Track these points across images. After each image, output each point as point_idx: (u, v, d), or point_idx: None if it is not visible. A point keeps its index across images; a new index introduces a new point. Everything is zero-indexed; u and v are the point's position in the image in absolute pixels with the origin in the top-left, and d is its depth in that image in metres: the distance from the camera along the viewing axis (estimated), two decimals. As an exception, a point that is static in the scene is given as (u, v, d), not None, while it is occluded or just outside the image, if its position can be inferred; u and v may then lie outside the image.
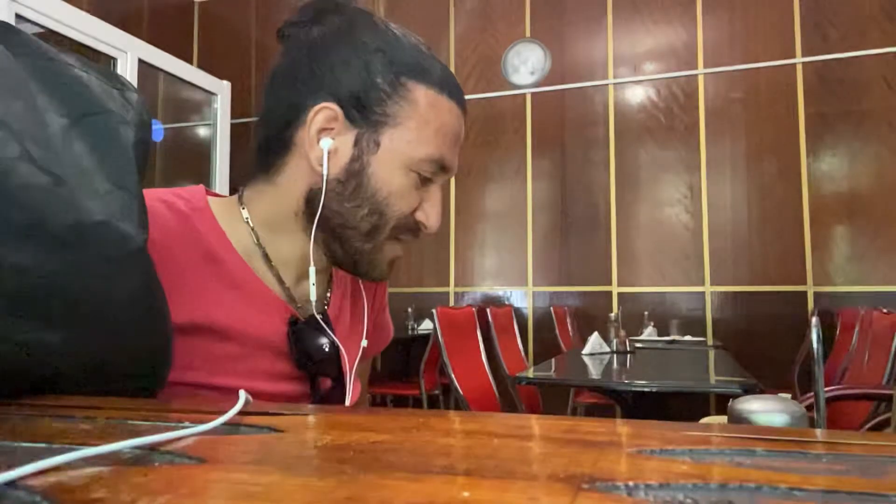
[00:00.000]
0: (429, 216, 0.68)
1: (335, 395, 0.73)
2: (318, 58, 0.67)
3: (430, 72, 0.67)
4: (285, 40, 0.70)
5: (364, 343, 0.79)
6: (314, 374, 0.70)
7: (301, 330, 0.69)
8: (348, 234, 0.67)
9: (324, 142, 0.65)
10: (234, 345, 0.65)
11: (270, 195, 0.69)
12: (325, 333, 0.71)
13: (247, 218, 0.70)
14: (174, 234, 0.64)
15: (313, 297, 0.68)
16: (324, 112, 0.65)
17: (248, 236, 0.69)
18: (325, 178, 0.65)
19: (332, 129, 0.65)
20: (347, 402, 0.73)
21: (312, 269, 0.68)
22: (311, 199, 0.67)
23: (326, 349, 0.71)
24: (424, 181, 0.68)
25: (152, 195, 0.65)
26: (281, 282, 0.70)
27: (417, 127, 0.66)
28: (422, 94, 0.66)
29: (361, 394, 0.85)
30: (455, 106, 0.69)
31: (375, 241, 0.67)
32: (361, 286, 0.83)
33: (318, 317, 0.70)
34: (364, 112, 0.65)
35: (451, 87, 0.69)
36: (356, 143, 0.65)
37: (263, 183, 0.70)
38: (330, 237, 0.68)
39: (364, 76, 0.65)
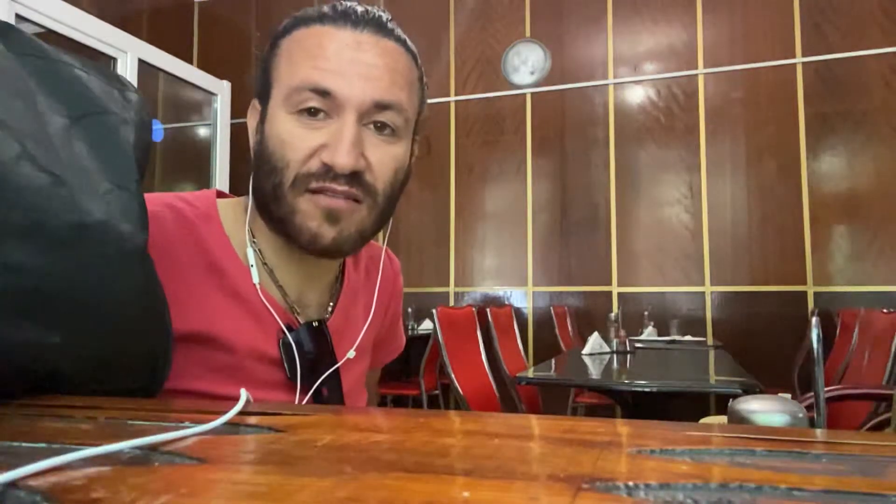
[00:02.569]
0: (333, 154, 0.60)
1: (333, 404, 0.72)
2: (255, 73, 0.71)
3: (302, 18, 0.65)
4: None
5: (351, 354, 0.73)
6: (309, 383, 0.68)
7: (292, 341, 0.67)
8: (266, 205, 0.64)
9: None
10: (231, 355, 0.64)
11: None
12: (318, 344, 0.68)
13: (250, 228, 0.69)
14: (179, 243, 0.63)
15: (256, 281, 0.66)
16: (251, 110, 0.69)
17: (253, 243, 0.69)
18: (251, 165, 0.67)
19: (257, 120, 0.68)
20: None
21: (250, 252, 0.67)
22: (252, 193, 0.68)
23: (319, 360, 0.68)
24: (317, 118, 0.61)
25: (161, 200, 0.65)
26: (282, 288, 0.69)
27: (286, 69, 0.63)
28: (288, 41, 0.65)
29: (369, 400, 0.84)
30: (330, 27, 0.62)
31: (285, 201, 0.62)
32: (375, 295, 0.79)
33: (315, 324, 0.69)
34: (263, 90, 0.66)
35: (326, 16, 0.63)
36: (259, 119, 0.67)
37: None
38: (265, 219, 0.67)
39: (261, 62, 0.67)
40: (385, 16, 0.65)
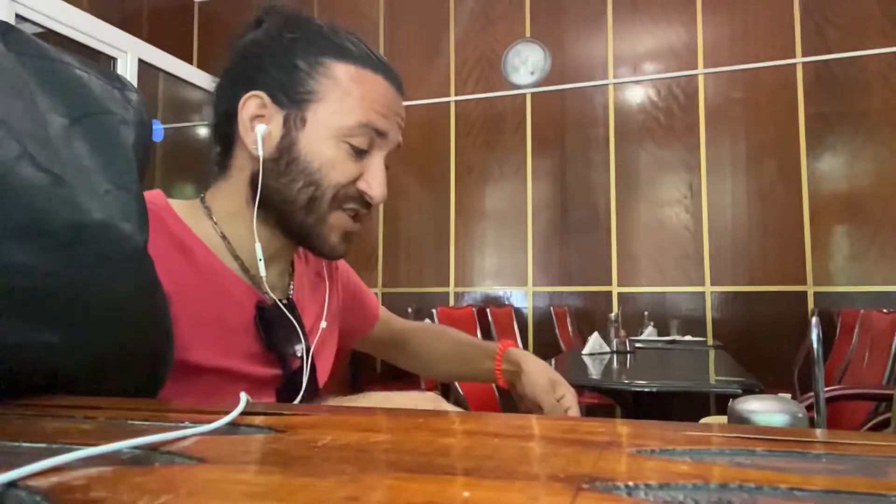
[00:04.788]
0: (371, 185, 0.73)
1: (303, 373, 0.78)
2: (248, 56, 0.74)
3: (349, 50, 0.73)
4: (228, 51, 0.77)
5: (323, 325, 0.84)
6: (283, 354, 0.75)
7: (268, 314, 0.74)
8: (289, 208, 0.72)
9: (258, 127, 0.71)
10: (209, 328, 0.69)
11: (225, 189, 0.76)
12: (289, 317, 0.76)
13: (210, 215, 0.75)
14: (150, 230, 0.67)
15: (262, 273, 0.73)
16: (252, 100, 0.72)
17: (212, 231, 0.74)
18: (260, 159, 0.71)
19: (263, 115, 0.71)
20: (305, 377, 0.77)
21: (258, 246, 0.73)
22: (253, 183, 0.72)
23: (291, 332, 0.76)
24: (360, 152, 0.72)
25: None
26: (246, 271, 0.75)
27: (339, 98, 0.71)
28: (341, 69, 0.72)
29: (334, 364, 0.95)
30: (380, 77, 0.73)
31: (317, 213, 0.72)
32: (325, 275, 0.90)
33: (283, 302, 0.76)
34: (289, 94, 0.71)
35: (374, 63, 0.73)
36: (285, 122, 0.71)
37: (220, 180, 0.77)
38: (276, 216, 0.73)
39: (285, 62, 0.72)
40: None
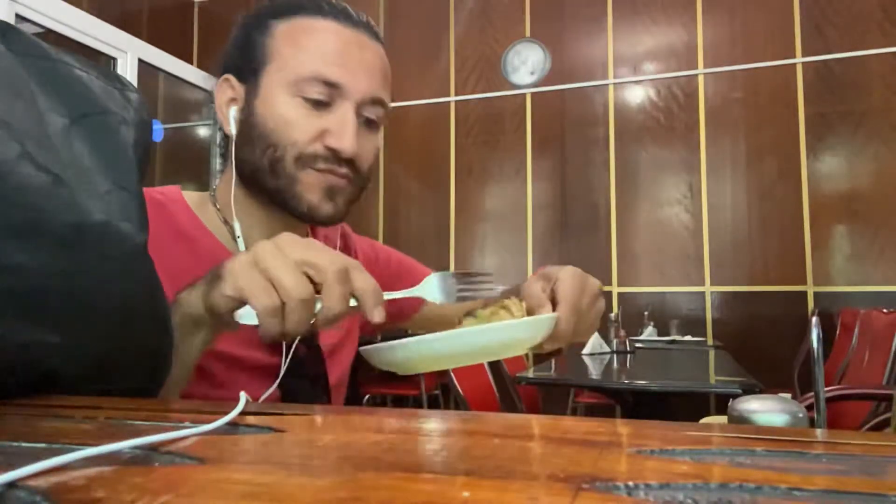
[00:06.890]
0: (339, 138, 0.68)
1: (311, 360, 0.76)
2: (225, 49, 0.75)
3: (297, 6, 0.71)
4: None
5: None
6: (290, 343, 0.73)
7: None
8: (258, 176, 0.70)
9: (231, 110, 0.72)
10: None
11: (225, 177, 0.76)
12: None
13: (215, 202, 0.76)
14: (153, 223, 0.68)
15: (242, 249, 0.71)
16: (223, 85, 0.72)
17: (217, 219, 0.75)
18: (232, 137, 0.71)
19: (235, 98, 0.72)
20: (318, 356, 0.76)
21: (237, 225, 0.72)
22: (236, 164, 0.72)
23: None
24: (320, 105, 0.68)
25: None
26: None
27: (287, 54, 0.69)
28: (287, 26, 0.70)
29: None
30: (332, 23, 0.70)
31: (284, 175, 0.69)
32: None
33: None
34: (247, 67, 0.71)
35: (324, 10, 0.71)
36: (246, 95, 0.71)
37: (223, 170, 0.77)
38: (255, 189, 0.72)
39: (242, 40, 0.72)
40: (371, 21, 0.75)
